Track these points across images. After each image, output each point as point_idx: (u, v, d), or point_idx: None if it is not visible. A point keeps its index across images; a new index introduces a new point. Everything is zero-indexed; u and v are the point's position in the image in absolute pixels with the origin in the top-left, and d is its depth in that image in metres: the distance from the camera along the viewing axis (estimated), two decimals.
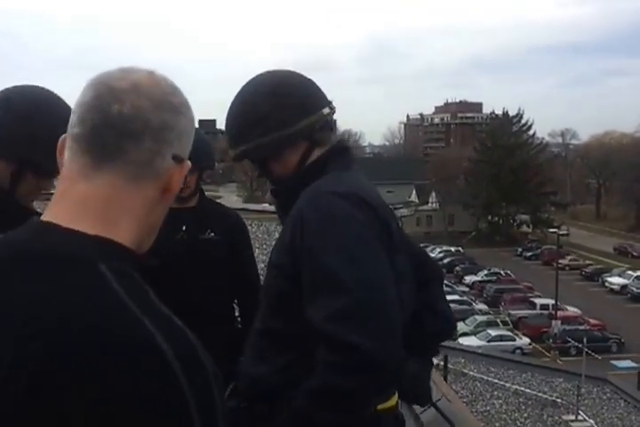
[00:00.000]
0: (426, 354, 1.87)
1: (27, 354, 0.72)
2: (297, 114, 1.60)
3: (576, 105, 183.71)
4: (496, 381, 13.37)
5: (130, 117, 0.86)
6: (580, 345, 25.21)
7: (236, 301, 2.72)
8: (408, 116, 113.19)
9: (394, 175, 65.55)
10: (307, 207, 1.48)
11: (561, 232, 36.80)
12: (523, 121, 62.50)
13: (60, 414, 0.70)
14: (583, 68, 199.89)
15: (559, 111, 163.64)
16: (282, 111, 1.59)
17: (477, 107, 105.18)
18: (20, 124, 1.57)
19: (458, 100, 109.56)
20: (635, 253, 51.55)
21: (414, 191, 65.66)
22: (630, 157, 61.67)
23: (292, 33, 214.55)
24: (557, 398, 13.73)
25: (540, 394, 13.75)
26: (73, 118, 0.89)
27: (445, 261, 47.79)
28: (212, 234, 2.57)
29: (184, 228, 2.54)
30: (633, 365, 27.26)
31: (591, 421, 13.18)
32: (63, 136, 0.92)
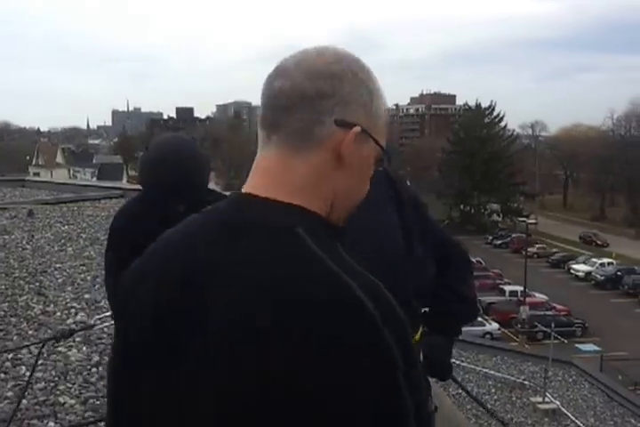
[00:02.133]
0: (448, 334, 2.00)
1: (255, 313, 0.80)
2: None
3: (547, 98, 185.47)
4: (467, 365, 13.62)
5: (285, 91, 0.91)
6: (548, 330, 25.74)
7: None
8: None
9: None
10: None
11: (530, 221, 37.29)
12: (495, 113, 63.08)
13: (288, 364, 0.76)
14: (556, 63, 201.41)
15: (531, 104, 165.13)
16: None
17: (451, 99, 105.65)
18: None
19: (432, 92, 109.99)
20: (599, 242, 52.53)
21: None
22: (596, 150, 62.56)
23: (267, 23, 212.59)
24: (525, 380, 14.03)
25: (509, 377, 14.04)
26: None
27: None
28: None
29: None
30: (595, 348, 27.95)
31: (557, 402, 13.50)
32: None
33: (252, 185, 0.93)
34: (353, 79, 0.92)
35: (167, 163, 2.34)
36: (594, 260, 43.96)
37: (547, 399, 13.09)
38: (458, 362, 12.97)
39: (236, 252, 0.86)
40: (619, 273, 40.62)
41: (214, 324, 0.83)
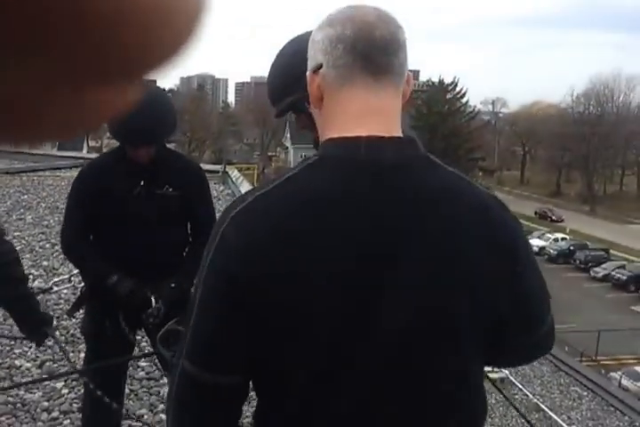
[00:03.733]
0: None
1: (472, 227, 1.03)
2: None
3: (509, 75, 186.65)
4: None
5: (387, 38, 1.02)
6: None
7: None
8: None
9: None
10: None
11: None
12: (457, 89, 63.30)
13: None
14: (517, 40, 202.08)
15: (492, 81, 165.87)
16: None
17: (414, 74, 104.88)
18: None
19: None
20: (554, 217, 53.36)
21: None
22: (555, 127, 63.25)
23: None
24: None
25: None
26: (336, 51, 1.02)
27: None
28: (170, 189, 2.52)
29: (142, 182, 2.50)
30: None
31: (506, 371, 13.84)
32: (309, 74, 1.07)
33: (384, 127, 1.03)
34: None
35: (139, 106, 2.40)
36: (548, 235, 44.69)
37: (495, 369, 13.43)
38: None
39: (423, 186, 1.01)
40: (571, 248, 41.35)
41: (427, 249, 0.99)
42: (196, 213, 2.63)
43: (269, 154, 67.11)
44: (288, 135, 70.26)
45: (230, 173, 13.08)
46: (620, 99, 65.72)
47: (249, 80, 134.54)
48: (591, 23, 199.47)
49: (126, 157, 2.53)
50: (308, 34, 1.75)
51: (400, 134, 1.03)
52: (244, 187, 11.68)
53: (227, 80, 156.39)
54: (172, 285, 2.51)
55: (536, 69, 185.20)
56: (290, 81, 1.62)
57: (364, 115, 1.02)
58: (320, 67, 1.04)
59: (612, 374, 21.13)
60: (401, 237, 0.97)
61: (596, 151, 59.10)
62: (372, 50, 1.01)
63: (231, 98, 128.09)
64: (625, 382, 20.23)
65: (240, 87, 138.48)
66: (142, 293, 2.50)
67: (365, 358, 0.96)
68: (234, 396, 1.02)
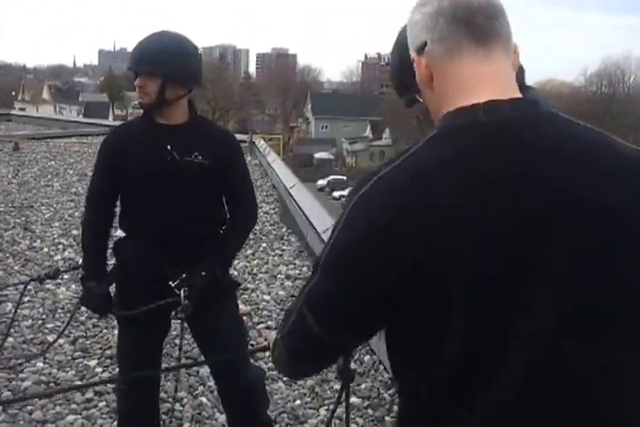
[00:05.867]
0: None
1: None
2: None
3: (523, 53, 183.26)
4: None
5: (487, 3, 0.99)
6: None
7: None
8: (366, 56, 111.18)
9: (350, 111, 64.91)
10: None
11: None
12: None
13: None
14: (534, 19, 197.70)
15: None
16: None
17: None
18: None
19: None
20: None
21: (369, 127, 65.30)
22: (568, 105, 62.15)
23: None
24: None
25: None
26: (438, 24, 0.98)
27: None
28: (200, 157, 2.22)
29: (169, 147, 2.21)
30: None
31: None
32: (415, 57, 1.02)
33: (499, 91, 0.96)
34: None
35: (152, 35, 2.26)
36: None
37: None
38: None
39: (580, 141, 0.94)
40: None
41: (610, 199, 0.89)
42: (231, 186, 2.33)
43: (291, 125, 66.56)
44: (309, 106, 69.67)
45: (257, 143, 12.80)
46: (631, 80, 64.96)
47: (270, 51, 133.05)
48: (606, 6, 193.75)
49: (153, 122, 2.26)
50: None
51: (519, 95, 0.97)
52: (272, 157, 11.38)
53: (247, 51, 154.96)
54: (203, 273, 2.22)
55: (550, 48, 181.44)
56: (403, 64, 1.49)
57: (478, 83, 0.97)
58: (424, 45, 1.00)
59: None
60: (549, 198, 0.88)
61: (608, 130, 57.60)
62: (472, 15, 0.97)
63: (252, 69, 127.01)
64: None
65: (261, 58, 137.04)
66: (108, 304, 2.30)
67: (523, 328, 0.87)
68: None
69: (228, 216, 2.37)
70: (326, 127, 67.94)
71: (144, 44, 2.22)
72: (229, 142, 2.36)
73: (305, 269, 5.32)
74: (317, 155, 58.66)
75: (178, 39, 2.26)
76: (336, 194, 47.08)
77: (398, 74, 1.57)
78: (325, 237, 5.54)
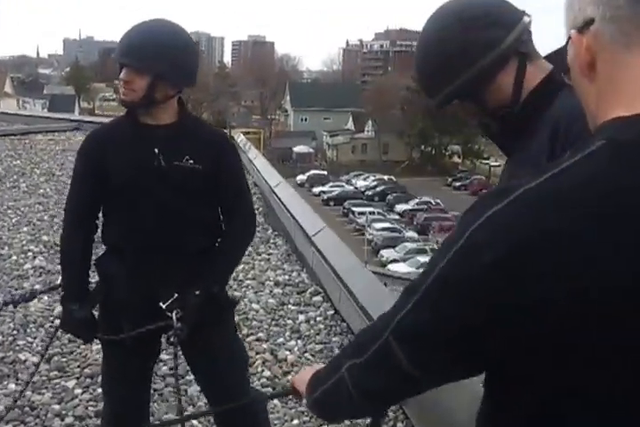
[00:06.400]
0: None
1: None
2: (502, 29, 1.41)
3: None
4: None
5: None
6: None
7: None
8: (347, 42, 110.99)
9: (331, 102, 64.81)
10: None
11: (493, 163, 37.32)
12: None
13: None
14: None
15: None
16: (481, 33, 1.40)
17: (417, 35, 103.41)
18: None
19: (398, 28, 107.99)
20: None
21: (351, 119, 65.23)
22: None
23: None
24: None
25: None
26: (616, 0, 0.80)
27: (378, 189, 48.33)
28: (192, 161, 2.08)
29: (156, 150, 2.07)
30: None
31: None
32: (574, 33, 0.84)
33: None
34: None
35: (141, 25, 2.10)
36: None
37: None
38: None
39: None
40: None
41: None
42: (226, 193, 2.19)
43: (269, 117, 66.26)
44: (288, 98, 69.43)
45: (236, 137, 12.62)
46: None
47: (246, 39, 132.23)
48: None
49: (138, 122, 2.12)
50: (456, 1, 1.47)
51: None
52: (252, 153, 11.23)
53: (222, 39, 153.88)
54: (198, 292, 2.09)
55: (541, 32, 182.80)
56: (449, 64, 1.43)
57: None
58: (590, 22, 0.81)
59: None
60: None
61: None
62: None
63: (227, 58, 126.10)
64: None
65: (237, 46, 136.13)
66: (92, 329, 2.17)
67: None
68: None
69: (224, 227, 2.25)
70: (306, 119, 67.81)
71: (136, 33, 2.05)
72: (223, 144, 2.22)
73: (295, 274, 5.22)
74: (296, 148, 58.48)
75: (175, 31, 2.10)
76: (316, 190, 47.12)
77: (437, 70, 1.46)
78: (317, 240, 5.50)
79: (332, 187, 47.85)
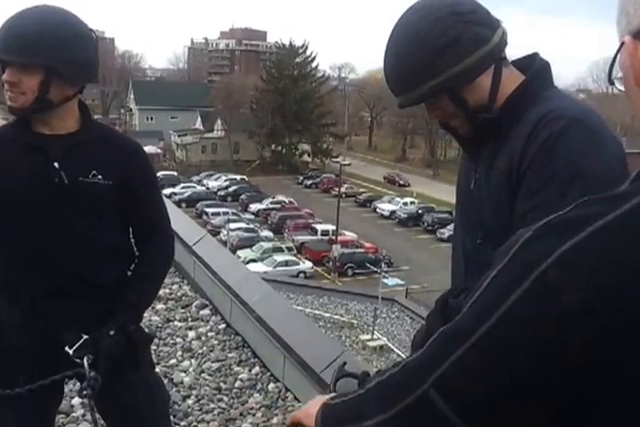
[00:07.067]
0: None
1: None
2: (488, 29, 1.37)
3: (357, 41, 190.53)
4: (297, 307, 13.68)
5: None
6: (376, 268, 26.73)
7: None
8: (192, 40, 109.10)
9: (178, 101, 63.37)
10: (571, 130, 1.29)
11: (344, 162, 38.19)
12: (308, 53, 63.25)
13: None
14: (367, 7, 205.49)
15: (341, 46, 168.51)
16: (473, 29, 1.35)
17: (262, 35, 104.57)
18: None
19: (243, 27, 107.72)
20: (401, 182, 55.74)
21: (199, 118, 64.15)
22: None
23: None
24: (353, 319, 14.48)
25: (337, 317, 14.37)
26: None
27: (231, 189, 47.92)
28: (100, 177, 1.78)
29: (56, 164, 1.74)
30: (400, 282, 29.82)
31: (384, 338, 14.09)
32: (628, 39, 0.75)
33: None
34: None
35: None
36: (397, 199, 46.72)
37: (375, 336, 13.63)
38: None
39: None
40: (419, 211, 43.61)
41: None
42: (140, 213, 1.91)
43: (111, 116, 63.43)
44: (132, 96, 66.83)
45: None
46: None
47: None
48: None
49: (31, 132, 1.79)
50: None
51: None
52: None
53: None
54: (112, 332, 1.78)
55: (381, 37, 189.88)
56: (431, 58, 1.35)
57: None
58: None
59: None
60: None
61: None
62: None
63: None
64: None
65: None
66: None
67: None
68: None
69: (138, 251, 1.95)
70: (152, 119, 65.78)
71: (16, 23, 1.68)
72: (137, 156, 1.91)
73: (175, 287, 4.90)
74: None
75: (65, 17, 1.75)
76: (166, 191, 45.67)
77: (417, 63, 1.36)
78: (198, 249, 5.18)
79: (183, 188, 46.70)
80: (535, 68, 1.43)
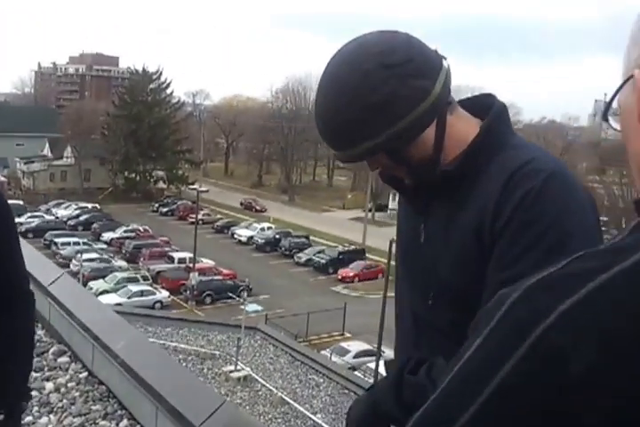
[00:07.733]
0: None
1: None
2: (427, 79, 1.19)
3: (213, 69, 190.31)
4: (156, 340, 13.14)
5: None
6: (235, 296, 26.21)
7: None
8: (39, 65, 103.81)
9: (24, 127, 59.85)
10: (545, 184, 1.16)
11: (202, 189, 37.64)
12: (162, 79, 62.19)
13: None
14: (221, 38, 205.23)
15: (196, 73, 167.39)
16: (410, 84, 1.17)
17: (114, 60, 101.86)
18: None
19: (94, 52, 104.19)
20: (258, 208, 55.95)
21: (47, 145, 60.85)
22: (255, 120, 66.40)
23: None
24: (216, 350, 14.11)
25: (198, 349, 13.96)
26: None
27: (82, 218, 45.74)
28: None
29: None
30: (258, 308, 29.65)
31: (248, 368, 13.84)
32: (638, 72, 0.68)
33: None
34: None
35: None
36: (255, 225, 46.75)
37: (238, 367, 13.36)
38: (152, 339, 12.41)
39: None
40: (277, 236, 43.82)
41: None
42: None
43: None
44: None
45: None
46: (312, 97, 71.46)
47: None
48: (299, 24, 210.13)
49: None
50: (377, 37, 1.20)
51: None
52: None
53: None
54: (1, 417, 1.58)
55: (238, 64, 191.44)
56: (363, 118, 1.17)
57: None
58: None
59: (323, 351, 22.57)
60: None
61: (292, 145, 63.49)
62: None
63: None
64: (334, 358, 21.69)
65: None
66: None
67: None
68: None
69: None
70: None
71: None
72: None
73: None
74: None
75: None
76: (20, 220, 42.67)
77: (354, 120, 1.18)
78: (54, 289, 4.79)
79: (29, 218, 43.82)
80: (495, 111, 1.28)
